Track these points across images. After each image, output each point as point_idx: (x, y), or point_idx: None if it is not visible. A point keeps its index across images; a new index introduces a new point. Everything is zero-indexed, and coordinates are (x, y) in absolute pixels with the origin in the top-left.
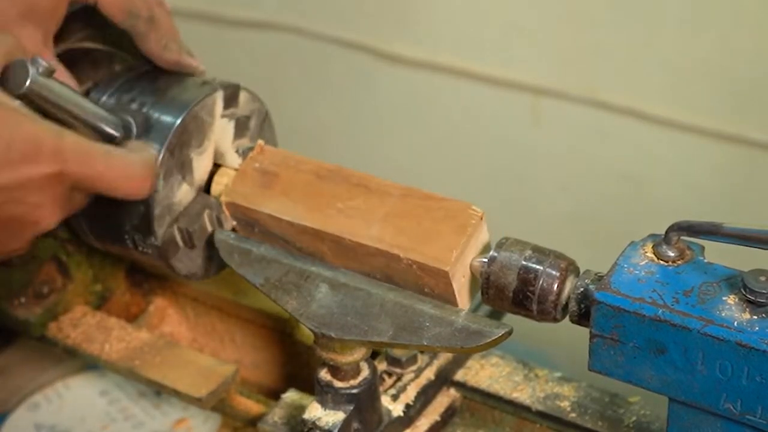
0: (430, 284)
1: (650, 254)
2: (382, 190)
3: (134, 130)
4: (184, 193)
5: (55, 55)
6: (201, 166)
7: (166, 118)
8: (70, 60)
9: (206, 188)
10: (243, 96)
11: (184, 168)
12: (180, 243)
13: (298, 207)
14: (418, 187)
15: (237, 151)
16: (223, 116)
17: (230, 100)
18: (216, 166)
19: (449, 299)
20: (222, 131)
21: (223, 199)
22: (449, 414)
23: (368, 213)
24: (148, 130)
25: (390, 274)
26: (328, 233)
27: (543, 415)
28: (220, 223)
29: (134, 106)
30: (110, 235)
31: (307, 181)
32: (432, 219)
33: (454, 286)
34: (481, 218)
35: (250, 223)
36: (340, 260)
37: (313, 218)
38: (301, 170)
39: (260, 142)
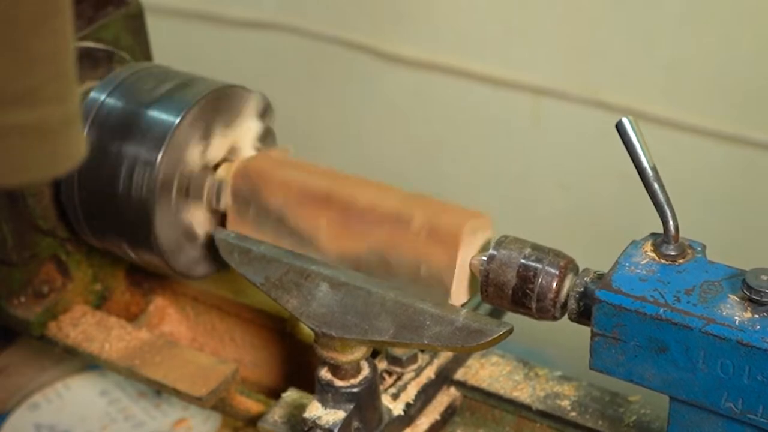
0: (433, 255)
1: (651, 253)
2: (399, 188)
3: None
4: (193, 158)
5: None
6: (216, 146)
7: (200, 87)
8: None
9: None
10: (273, 116)
11: (205, 135)
12: (175, 189)
13: (312, 176)
14: (418, 188)
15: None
16: (252, 116)
17: (264, 109)
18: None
19: (446, 280)
20: (247, 130)
21: (236, 164)
22: (449, 413)
23: (384, 192)
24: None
25: (388, 251)
26: (339, 195)
27: (543, 414)
28: (218, 196)
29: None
30: (108, 165)
31: (326, 170)
32: (447, 204)
33: (459, 257)
34: (491, 224)
35: (247, 200)
36: (337, 236)
37: (325, 184)
38: (320, 168)
39: (288, 146)
